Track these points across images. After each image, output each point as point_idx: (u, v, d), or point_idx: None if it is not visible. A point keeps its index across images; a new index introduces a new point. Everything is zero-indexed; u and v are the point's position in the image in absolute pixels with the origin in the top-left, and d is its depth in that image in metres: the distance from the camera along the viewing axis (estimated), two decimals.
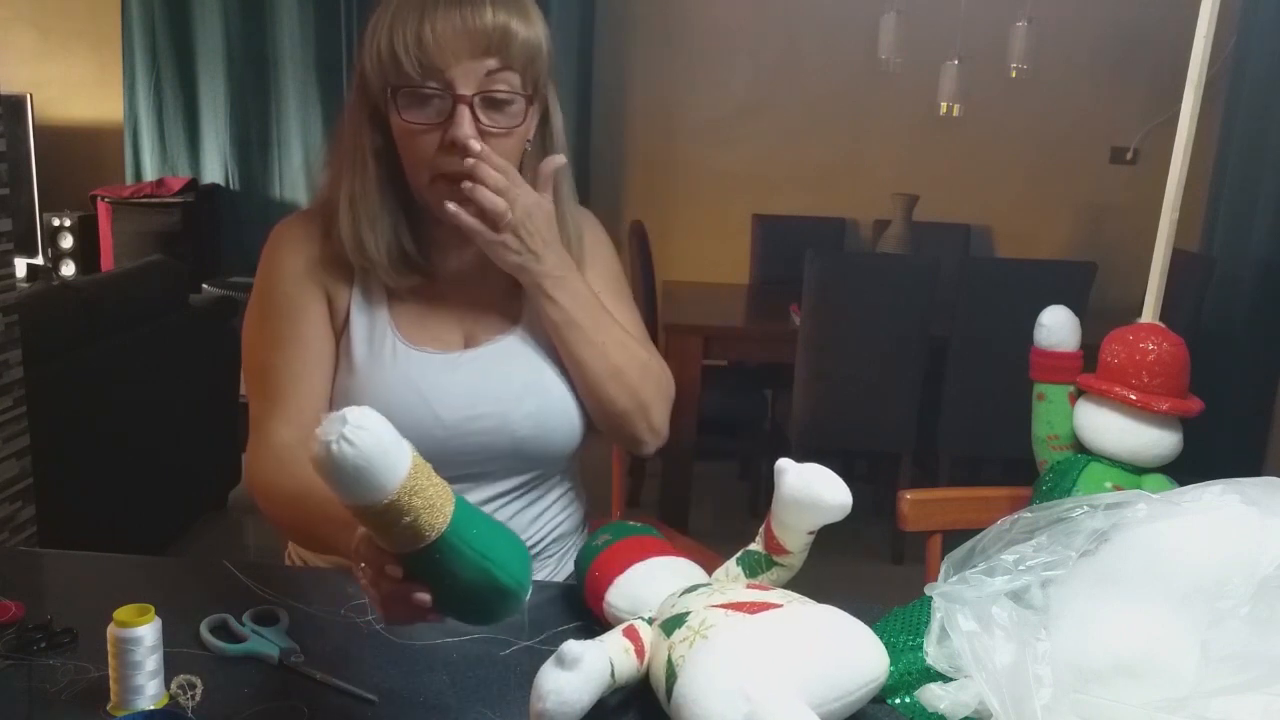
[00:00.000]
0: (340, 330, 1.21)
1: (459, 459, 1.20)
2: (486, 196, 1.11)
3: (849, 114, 4.10)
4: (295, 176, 4.25)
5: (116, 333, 2.73)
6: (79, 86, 4.35)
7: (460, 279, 1.25)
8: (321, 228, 1.21)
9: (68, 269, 4.11)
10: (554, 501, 1.31)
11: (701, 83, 4.11)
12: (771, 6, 4.05)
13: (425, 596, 0.79)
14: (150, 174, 4.27)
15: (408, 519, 0.73)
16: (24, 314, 2.27)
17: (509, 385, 1.22)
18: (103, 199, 4.04)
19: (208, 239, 4.19)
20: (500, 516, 1.22)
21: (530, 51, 1.12)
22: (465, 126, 1.09)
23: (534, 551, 1.28)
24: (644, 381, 1.24)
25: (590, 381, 1.21)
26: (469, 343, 1.24)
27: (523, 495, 1.27)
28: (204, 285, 3.75)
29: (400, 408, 1.16)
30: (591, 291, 1.23)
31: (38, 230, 4.06)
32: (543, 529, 1.30)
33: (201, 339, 3.18)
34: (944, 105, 3.60)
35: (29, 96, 3.99)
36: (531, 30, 1.12)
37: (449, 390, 1.19)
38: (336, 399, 1.19)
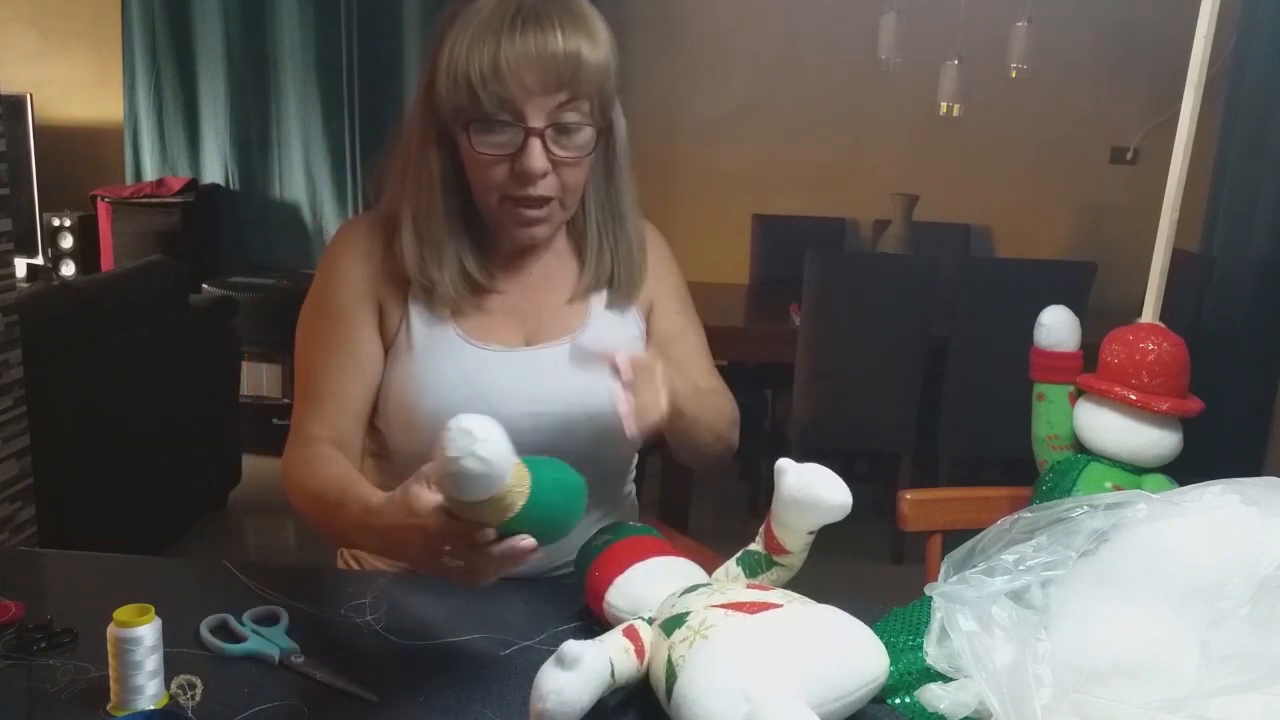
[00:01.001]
0: (396, 331, 1.21)
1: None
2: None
3: (849, 114, 4.10)
4: (295, 176, 4.25)
5: (116, 333, 2.73)
6: (79, 86, 4.35)
7: (523, 289, 1.26)
8: (383, 238, 1.21)
9: (68, 269, 4.11)
10: (614, 508, 1.34)
11: (701, 83, 4.11)
12: (771, 6, 4.05)
13: (528, 542, 0.83)
14: (150, 174, 4.27)
15: (507, 499, 0.80)
16: (24, 314, 2.27)
17: (570, 387, 1.21)
18: (103, 199, 4.04)
19: (208, 239, 4.19)
20: None
21: (600, 77, 1.12)
22: (537, 160, 1.10)
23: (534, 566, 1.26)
24: (730, 428, 1.31)
25: (695, 447, 1.25)
26: (530, 341, 1.24)
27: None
28: (204, 285, 3.75)
29: (456, 400, 1.16)
30: (695, 387, 1.22)
31: (38, 230, 4.06)
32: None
33: (201, 339, 3.18)
34: (944, 105, 3.60)
35: (29, 96, 3.99)
36: (600, 53, 1.12)
37: (506, 386, 1.20)
38: (393, 387, 1.21)
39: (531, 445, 1.16)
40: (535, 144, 1.10)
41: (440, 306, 1.21)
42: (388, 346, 1.22)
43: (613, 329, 1.28)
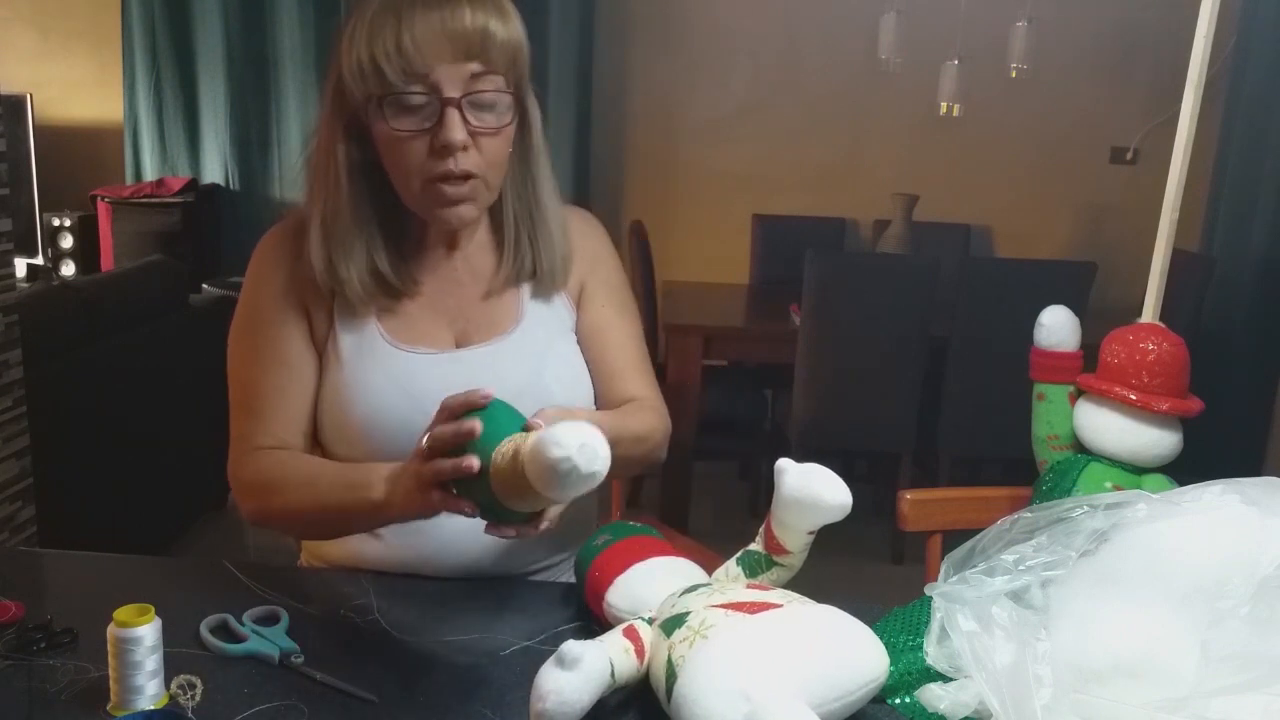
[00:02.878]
0: (325, 339, 1.21)
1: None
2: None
3: (849, 114, 4.10)
4: (295, 176, 4.24)
5: (116, 333, 2.73)
6: (79, 86, 4.35)
7: (446, 285, 1.24)
8: (300, 244, 1.20)
9: (68, 269, 4.11)
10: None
11: (701, 83, 4.11)
12: (771, 6, 4.05)
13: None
14: (150, 174, 4.27)
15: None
16: (24, 314, 2.27)
17: (504, 387, 1.18)
18: (103, 199, 4.04)
19: (208, 239, 4.19)
20: None
21: (511, 51, 1.12)
22: (456, 129, 1.09)
23: (533, 566, 1.27)
24: (653, 452, 1.27)
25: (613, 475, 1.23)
26: (460, 343, 1.23)
27: None
28: (204, 285, 3.74)
29: (388, 408, 1.16)
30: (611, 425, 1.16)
31: (38, 230, 4.05)
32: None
33: (201, 339, 3.18)
34: (944, 105, 3.60)
35: (29, 96, 3.99)
36: (510, 30, 1.12)
37: (438, 391, 1.16)
38: (326, 398, 1.19)
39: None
40: (453, 114, 1.09)
41: (361, 309, 1.19)
42: (323, 344, 1.21)
43: (543, 321, 1.27)
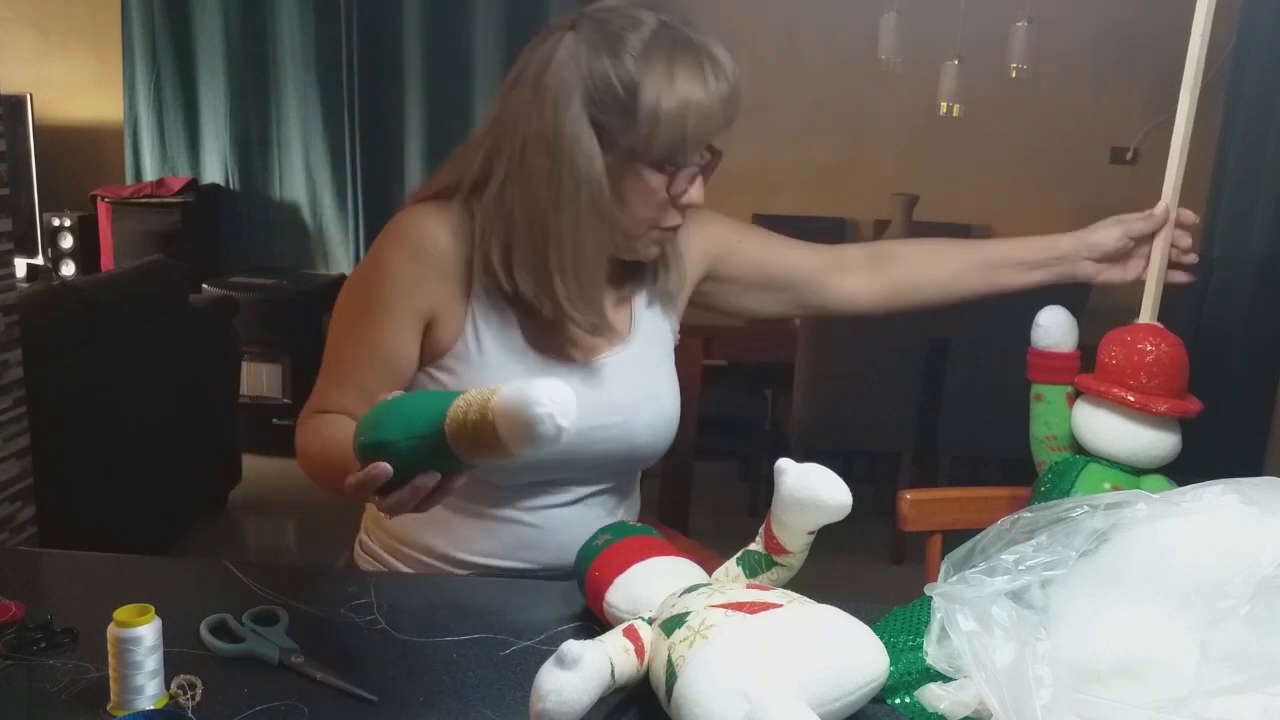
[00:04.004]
0: (455, 337, 1.20)
1: (578, 464, 1.23)
2: None
3: (849, 114, 4.10)
4: (295, 176, 4.25)
5: (116, 333, 2.73)
6: (79, 86, 4.35)
7: None
8: (455, 238, 1.18)
9: (68, 269, 4.11)
10: (630, 495, 1.38)
11: None
12: (771, 6, 4.05)
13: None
14: (150, 174, 4.27)
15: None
16: (24, 314, 2.27)
17: (630, 396, 1.25)
18: (103, 199, 4.04)
19: (208, 239, 4.19)
20: (589, 513, 1.28)
21: None
22: (701, 193, 1.18)
23: None
24: None
25: None
26: (590, 355, 1.25)
27: (613, 493, 1.32)
28: (204, 285, 3.75)
29: None
30: None
31: (38, 230, 4.05)
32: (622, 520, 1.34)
33: (201, 339, 3.18)
34: (944, 105, 3.60)
35: (29, 96, 3.99)
36: None
37: (578, 401, 1.19)
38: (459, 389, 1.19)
39: (595, 454, 1.23)
40: (700, 178, 1.17)
41: (505, 303, 1.19)
42: (444, 349, 1.20)
43: (658, 329, 1.31)
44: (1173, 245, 1.29)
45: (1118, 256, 1.34)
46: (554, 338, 1.22)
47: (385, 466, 0.88)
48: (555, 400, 0.79)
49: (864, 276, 1.42)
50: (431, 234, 1.18)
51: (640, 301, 1.30)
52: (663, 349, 1.32)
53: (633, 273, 1.28)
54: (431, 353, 1.21)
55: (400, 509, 0.91)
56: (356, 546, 1.38)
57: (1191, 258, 1.29)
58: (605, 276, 1.20)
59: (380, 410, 0.90)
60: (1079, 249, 1.36)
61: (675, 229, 1.20)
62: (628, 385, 1.25)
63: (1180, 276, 1.28)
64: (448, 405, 0.85)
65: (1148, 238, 1.30)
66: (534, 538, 1.26)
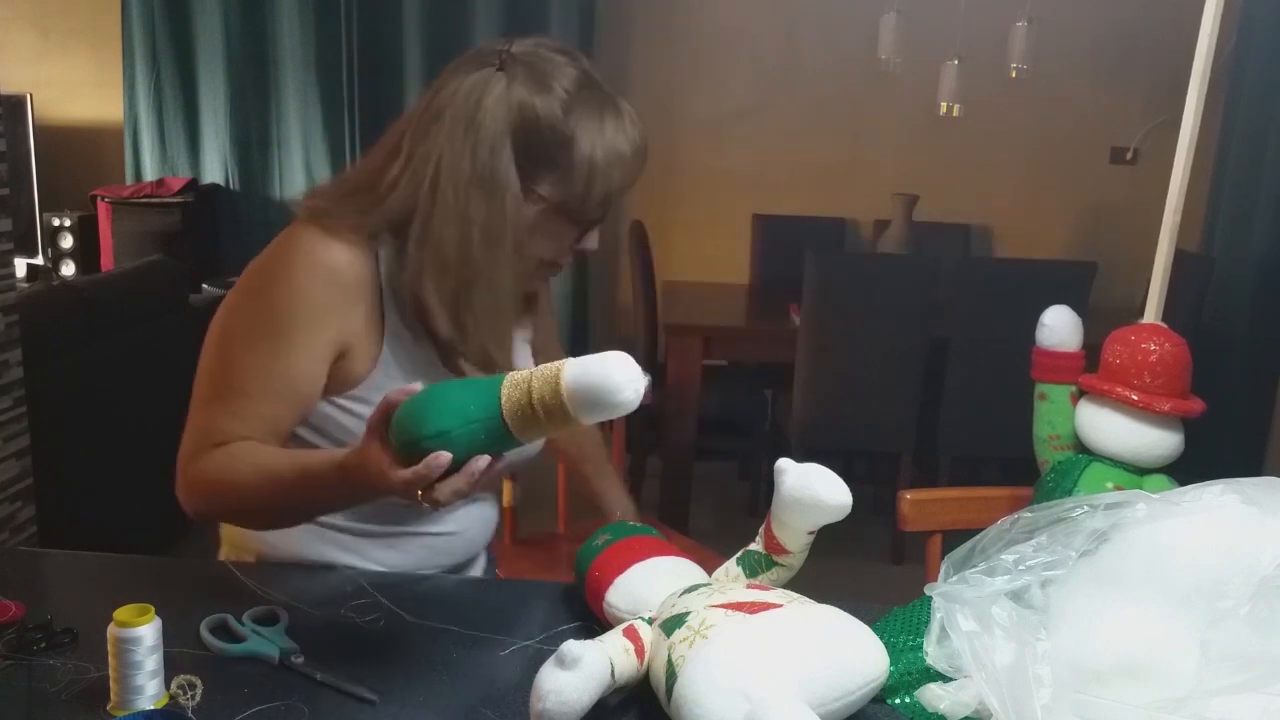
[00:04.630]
0: (371, 362, 1.16)
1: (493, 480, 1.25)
2: None
3: (849, 114, 4.10)
4: (295, 176, 4.25)
5: (116, 333, 2.73)
6: (79, 86, 4.34)
7: None
8: (369, 268, 1.15)
9: (68, 269, 4.10)
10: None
11: (701, 83, 4.11)
12: (771, 6, 4.05)
13: (484, 460, 0.91)
14: (150, 174, 4.26)
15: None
16: (24, 314, 2.27)
17: None
18: (103, 199, 4.04)
19: (208, 239, 4.18)
20: (469, 512, 1.30)
21: None
22: (595, 240, 1.21)
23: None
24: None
25: None
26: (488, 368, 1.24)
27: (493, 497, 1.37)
28: (204, 285, 3.74)
29: None
30: None
31: (38, 230, 4.05)
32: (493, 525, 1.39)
33: (201, 339, 3.18)
34: (944, 105, 3.59)
35: (29, 96, 3.98)
36: None
37: None
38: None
39: (507, 469, 1.23)
40: (597, 227, 1.20)
41: (428, 344, 1.17)
42: (356, 379, 1.16)
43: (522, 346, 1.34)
44: None
45: None
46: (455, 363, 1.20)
47: (446, 455, 0.88)
48: (633, 378, 0.85)
49: None
50: (347, 261, 1.13)
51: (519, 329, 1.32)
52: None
53: (524, 312, 1.30)
54: (341, 383, 1.15)
55: (456, 498, 0.91)
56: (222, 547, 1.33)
57: None
58: (516, 312, 1.22)
59: (421, 403, 0.90)
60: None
61: (561, 267, 1.23)
62: None
63: None
64: (497, 388, 0.89)
65: None
66: (444, 544, 1.28)
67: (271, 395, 1.11)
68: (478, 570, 1.38)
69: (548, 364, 0.89)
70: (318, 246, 1.13)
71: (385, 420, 0.92)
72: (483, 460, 0.90)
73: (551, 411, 0.87)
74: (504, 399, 0.88)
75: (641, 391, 0.86)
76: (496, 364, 1.18)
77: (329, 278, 1.12)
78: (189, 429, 1.13)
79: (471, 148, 1.09)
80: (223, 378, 1.13)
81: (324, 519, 1.22)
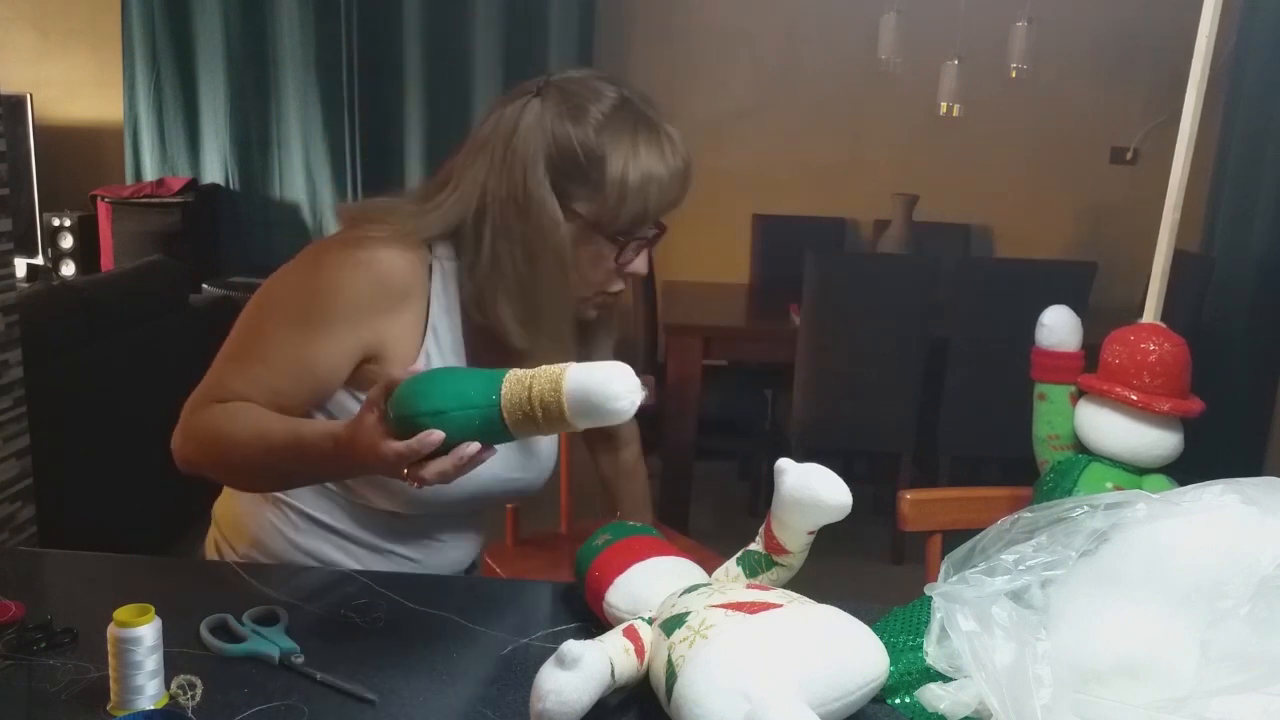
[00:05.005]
0: (410, 358, 1.19)
1: (489, 500, 1.29)
2: None
3: (849, 114, 4.10)
4: (295, 176, 4.25)
5: (116, 333, 2.73)
6: (79, 86, 4.34)
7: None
8: (425, 282, 1.18)
9: (68, 269, 4.10)
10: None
11: (701, 83, 4.11)
12: (771, 6, 4.05)
13: (475, 447, 0.93)
14: (150, 174, 4.26)
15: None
16: (24, 314, 2.27)
17: (545, 449, 1.30)
18: (103, 199, 4.04)
19: (208, 239, 4.19)
20: (460, 536, 1.34)
21: None
22: (645, 263, 1.22)
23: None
24: None
25: None
26: None
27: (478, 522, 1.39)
28: (204, 285, 3.74)
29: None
30: None
31: (38, 230, 4.05)
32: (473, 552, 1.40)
33: (201, 339, 3.18)
34: (944, 105, 3.60)
35: (29, 96, 3.98)
36: None
37: (511, 460, 1.25)
38: None
39: (505, 495, 1.29)
40: (645, 250, 1.21)
41: (457, 333, 1.22)
42: (409, 359, 1.19)
43: None
44: None
45: None
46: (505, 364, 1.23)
47: (438, 434, 0.90)
48: (631, 389, 0.88)
49: (601, 446, 1.57)
50: (401, 268, 1.16)
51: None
52: None
53: (580, 343, 1.30)
54: (369, 381, 1.15)
55: (442, 479, 0.93)
56: (214, 548, 1.33)
57: None
58: (573, 329, 1.23)
59: (423, 382, 0.93)
60: None
61: (618, 294, 1.24)
62: (545, 441, 1.30)
63: None
64: (499, 379, 0.91)
65: None
66: (428, 556, 1.31)
67: (288, 373, 1.14)
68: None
69: (551, 365, 0.91)
70: (381, 257, 1.16)
71: (385, 396, 0.95)
72: (473, 446, 0.92)
73: (549, 410, 0.89)
74: (504, 391, 0.90)
75: (637, 404, 0.88)
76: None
77: (378, 282, 1.15)
78: (204, 379, 1.17)
79: (508, 169, 1.14)
80: (249, 342, 1.17)
81: (313, 516, 1.24)
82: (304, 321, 1.15)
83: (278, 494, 1.25)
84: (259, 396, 1.13)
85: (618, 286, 1.23)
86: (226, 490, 1.32)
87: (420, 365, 1.19)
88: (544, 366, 0.91)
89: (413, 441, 0.91)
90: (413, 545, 1.29)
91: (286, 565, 1.23)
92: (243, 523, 1.29)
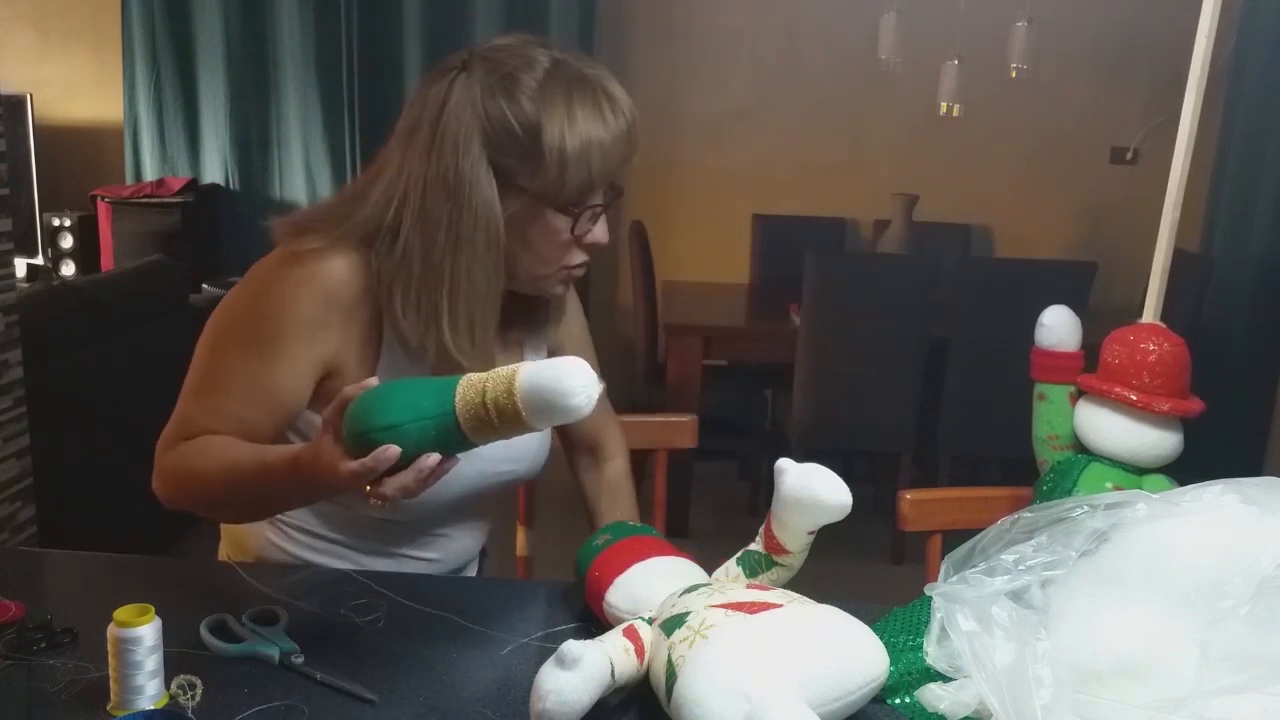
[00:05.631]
0: (369, 371, 1.15)
1: (486, 495, 1.27)
2: None
3: (849, 114, 4.10)
4: (295, 176, 4.25)
5: (116, 333, 2.73)
6: (79, 86, 4.34)
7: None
8: (365, 290, 1.13)
9: (68, 269, 4.10)
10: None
11: (701, 83, 4.11)
12: (771, 6, 4.05)
13: (435, 458, 0.91)
14: (150, 174, 4.26)
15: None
16: (24, 314, 2.27)
17: (532, 438, 1.25)
18: (103, 199, 4.04)
19: (208, 239, 4.18)
20: (463, 529, 1.32)
21: None
22: (604, 231, 1.16)
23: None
24: None
25: None
26: None
27: (481, 511, 1.36)
28: (204, 285, 3.74)
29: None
30: None
31: (38, 230, 4.05)
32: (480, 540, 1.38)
33: None
34: (944, 105, 3.60)
35: (29, 96, 3.98)
36: None
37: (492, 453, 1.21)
38: None
39: (499, 488, 1.27)
40: (603, 217, 1.15)
41: (424, 365, 1.15)
42: (368, 368, 1.15)
43: None
44: None
45: None
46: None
47: (395, 449, 0.88)
48: (586, 384, 0.85)
49: (584, 462, 1.49)
50: (346, 279, 1.12)
51: (528, 346, 1.28)
52: None
53: (522, 318, 1.26)
54: (332, 398, 1.10)
55: (405, 494, 0.91)
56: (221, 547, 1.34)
57: None
58: (496, 321, 1.16)
59: (375, 396, 0.91)
60: None
61: (582, 266, 1.18)
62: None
63: None
64: (453, 387, 0.89)
65: None
66: (437, 552, 1.30)
67: (251, 401, 1.12)
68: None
69: (504, 366, 0.88)
70: (320, 267, 1.12)
71: (339, 414, 0.92)
72: (432, 458, 0.90)
73: (504, 413, 0.87)
74: (458, 398, 0.88)
75: (594, 398, 0.85)
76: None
77: (324, 296, 1.12)
78: (171, 417, 1.16)
79: (438, 151, 1.09)
80: (207, 373, 1.14)
81: (314, 531, 1.24)
82: (257, 346, 1.11)
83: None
84: (226, 427, 1.11)
85: (579, 259, 1.17)
86: None
87: (376, 377, 1.11)
88: (498, 369, 0.88)
89: (368, 460, 0.88)
90: (420, 545, 1.28)
91: (287, 565, 1.23)
92: (247, 544, 1.28)
